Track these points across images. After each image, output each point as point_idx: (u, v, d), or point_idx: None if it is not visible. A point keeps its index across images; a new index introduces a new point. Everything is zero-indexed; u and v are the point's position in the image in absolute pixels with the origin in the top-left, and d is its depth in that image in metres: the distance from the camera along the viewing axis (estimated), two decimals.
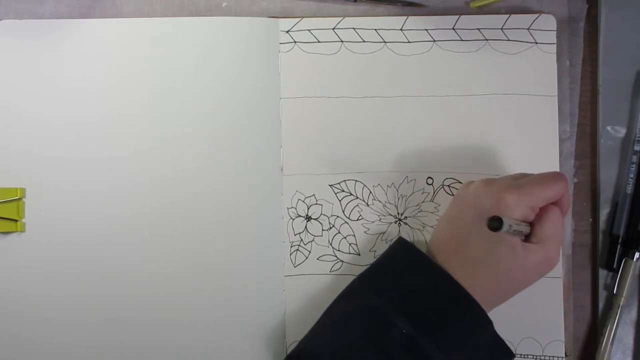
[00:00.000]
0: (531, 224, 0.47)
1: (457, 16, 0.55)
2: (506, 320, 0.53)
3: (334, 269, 0.54)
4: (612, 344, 0.53)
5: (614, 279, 0.54)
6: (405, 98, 0.55)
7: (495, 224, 0.41)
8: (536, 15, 0.55)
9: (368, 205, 0.54)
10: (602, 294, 0.54)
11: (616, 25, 0.55)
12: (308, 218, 0.54)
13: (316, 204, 0.54)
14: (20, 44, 0.54)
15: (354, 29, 0.55)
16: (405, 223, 0.54)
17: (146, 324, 0.52)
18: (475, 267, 0.46)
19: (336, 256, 0.54)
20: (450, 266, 0.47)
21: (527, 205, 0.46)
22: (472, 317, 0.45)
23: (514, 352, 0.50)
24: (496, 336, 0.47)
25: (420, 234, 0.54)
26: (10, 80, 0.54)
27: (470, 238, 0.47)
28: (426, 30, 0.55)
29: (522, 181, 0.48)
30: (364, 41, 0.55)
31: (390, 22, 0.55)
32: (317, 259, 0.54)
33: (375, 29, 0.55)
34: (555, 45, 0.55)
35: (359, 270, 0.53)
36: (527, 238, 0.48)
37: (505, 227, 0.42)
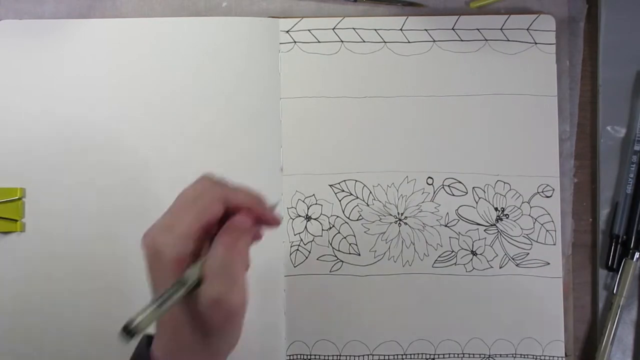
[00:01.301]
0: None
1: (457, 16, 0.55)
2: (506, 320, 0.53)
3: (334, 269, 0.54)
4: (612, 344, 0.53)
5: (614, 279, 0.54)
6: (405, 98, 0.55)
7: (125, 338, 0.33)
8: (535, 15, 0.55)
9: (368, 205, 0.54)
10: (602, 294, 0.54)
11: (616, 25, 0.55)
12: (308, 218, 0.54)
13: (316, 204, 0.54)
14: (20, 44, 0.54)
15: (354, 29, 0.55)
16: (405, 223, 0.54)
17: None
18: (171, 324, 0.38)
19: (336, 256, 0.54)
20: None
21: (182, 237, 0.37)
22: None
23: None
24: None
25: (420, 234, 0.54)
26: (10, 80, 0.54)
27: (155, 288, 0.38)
28: (426, 30, 0.55)
29: (172, 210, 0.39)
30: (364, 41, 0.55)
31: (390, 22, 0.55)
32: (317, 259, 0.54)
33: (375, 29, 0.55)
34: (554, 46, 0.55)
35: (359, 270, 0.53)
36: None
37: (142, 328, 0.33)
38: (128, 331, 0.33)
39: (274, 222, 0.40)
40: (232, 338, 0.39)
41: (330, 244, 0.54)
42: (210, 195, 0.38)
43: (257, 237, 0.40)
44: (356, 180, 0.54)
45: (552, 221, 0.54)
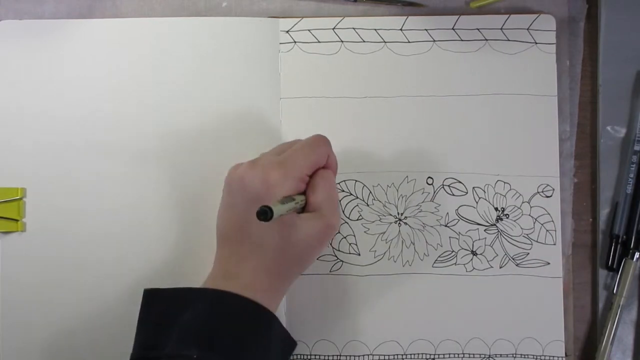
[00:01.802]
0: (305, 193, 0.47)
1: (457, 16, 0.55)
2: (506, 320, 0.53)
3: (334, 269, 0.54)
4: (612, 344, 0.53)
5: (614, 279, 0.54)
6: (405, 98, 0.55)
7: (263, 215, 0.40)
8: (536, 15, 0.55)
9: (368, 205, 0.54)
10: (602, 294, 0.54)
11: (616, 25, 0.55)
12: None
13: None
14: (20, 44, 0.54)
15: (354, 29, 0.55)
16: (405, 223, 0.54)
17: None
18: (263, 252, 0.45)
19: (336, 256, 0.54)
20: (241, 257, 0.46)
21: (294, 177, 0.45)
22: (255, 321, 0.44)
23: (295, 342, 0.49)
24: (283, 330, 0.47)
25: (420, 234, 0.54)
26: (10, 80, 0.54)
27: (250, 225, 0.45)
28: (426, 30, 0.55)
29: (284, 155, 0.47)
30: (364, 41, 0.55)
31: (390, 22, 0.55)
32: (317, 259, 0.54)
33: (375, 29, 0.55)
34: (554, 46, 0.55)
35: (359, 270, 0.53)
36: (304, 208, 0.47)
37: (276, 214, 0.40)
38: (264, 212, 0.39)
39: (336, 164, 0.50)
40: (314, 260, 0.49)
41: (330, 244, 0.54)
42: (325, 150, 0.48)
43: None
44: (356, 180, 0.54)
45: (552, 221, 0.54)
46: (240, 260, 0.46)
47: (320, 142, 0.48)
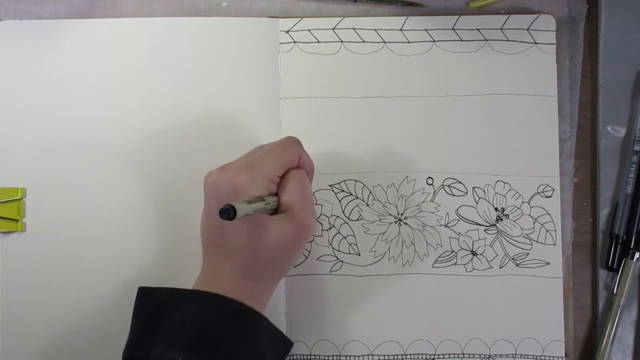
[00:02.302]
0: (277, 194, 0.47)
1: (457, 16, 0.55)
2: (506, 320, 0.53)
3: (334, 269, 0.54)
4: (612, 344, 0.53)
5: (614, 279, 0.54)
6: (405, 98, 0.55)
7: (226, 214, 0.39)
8: (536, 15, 0.55)
9: (368, 205, 0.54)
10: (602, 294, 0.54)
11: (616, 25, 0.55)
12: None
13: (316, 204, 0.54)
14: (20, 44, 0.54)
15: (354, 29, 0.55)
16: (405, 223, 0.54)
17: None
18: (237, 255, 0.45)
19: (336, 256, 0.54)
20: (220, 262, 0.46)
21: (262, 178, 0.45)
22: (243, 322, 0.44)
23: (291, 341, 0.49)
24: (274, 330, 0.47)
25: (420, 234, 0.54)
26: (10, 80, 0.54)
27: (224, 230, 0.46)
28: (426, 30, 0.55)
29: (253, 157, 0.47)
30: (364, 41, 0.55)
31: (390, 22, 0.55)
32: (317, 259, 0.54)
33: (375, 29, 0.55)
34: (554, 46, 0.55)
35: (359, 270, 0.53)
36: (277, 210, 0.47)
37: (240, 213, 0.40)
38: (226, 211, 0.39)
39: (310, 164, 0.50)
40: (294, 262, 0.50)
41: (330, 244, 0.54)
42: (295, 150, 0.48)
43: None
44: (356, 180, 0.54)
45: (552, 221, 0.54)
46: (220, 265, 0.46)
47: (291, 143, 0.48)
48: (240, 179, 0.45)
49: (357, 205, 0.54)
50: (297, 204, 0.46)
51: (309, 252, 0.54)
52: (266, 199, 0.45)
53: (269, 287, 0.48)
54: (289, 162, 0.47)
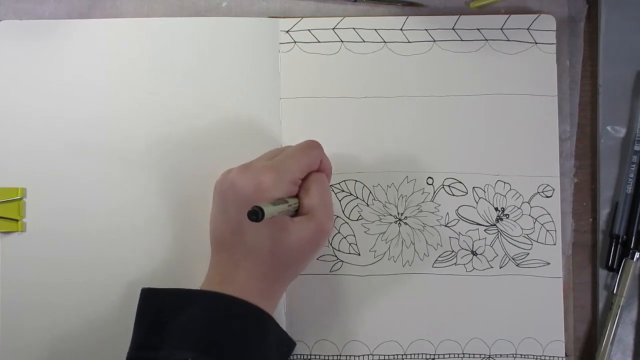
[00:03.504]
0: (298, 197, 0.47)
1: (457, 16, 0.55)
2: (506, 320, 0.53)
3: (334, 269, 0.54)
4: (612, 344, 0.53)
5: (614, 279, 0.54)
6: (405, 98, 0.55)
7: (254, 215, 0.40)
8: (536, 15, 0.55)
9: (368, 205, 0.54)
10: (602, 294, 0.54)
11: (616, 25, 0.55)
12: None
13: None
14: (20, 44, 0.54)
15: (354, 29, 0.55)
16: (406, 223, 0.54)
17: None
18: (257, 256, 0.45)
19: (336, 256, 0.54)
20: (235, 262, 0.46)
21: (287, 180, 0.46)
22: (251, 323, 0.44)
23: (294, 341, 0.49)
24: (280, 331, 0.47)
25: (420, 234, 0.54)
26: (10, 80, 0.54)
27: (243, 230, 0.46)
28: (426, 30, 0.55)
29: (276, 159, 0.47)
30: (364, 41, 0.55)
31: (390, 22, 0.55)
32: (317, 259, 0.54)
33: (375, 29, 0.55)
34: (555, 46, 0.55)
35: (359, 270, 0.53)
36: (297, 212, 0.47)
37: (267, 215, 0.40)
38: (255, 213, 0.39)
39: (330, 168, 0.51)
40: (308, 264, 0.49)
41: (330, 244, 0.54)
42: (317, 153, 0.48)
43: None
44: (356, 180, 0.54)
45: (552, 221, 0.54)
46: (235, 265, 0.46)
47: (313, 146, 0.48)
48: (266, 180, 0.45)
49: (357, 205, 0.54)
50: (319, 207, 0.47)
51: None
52: (288, 200, 0.45)
53: (282, 289, 0.48)
54: (312, 165, 0.48)
